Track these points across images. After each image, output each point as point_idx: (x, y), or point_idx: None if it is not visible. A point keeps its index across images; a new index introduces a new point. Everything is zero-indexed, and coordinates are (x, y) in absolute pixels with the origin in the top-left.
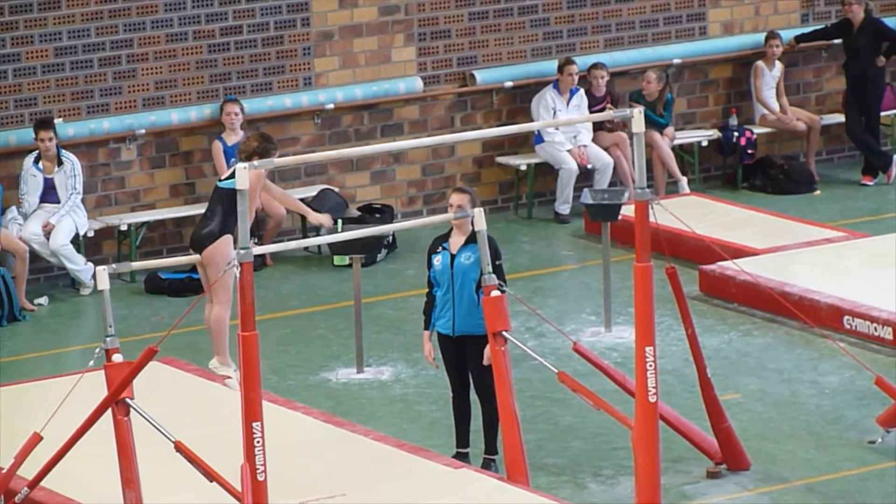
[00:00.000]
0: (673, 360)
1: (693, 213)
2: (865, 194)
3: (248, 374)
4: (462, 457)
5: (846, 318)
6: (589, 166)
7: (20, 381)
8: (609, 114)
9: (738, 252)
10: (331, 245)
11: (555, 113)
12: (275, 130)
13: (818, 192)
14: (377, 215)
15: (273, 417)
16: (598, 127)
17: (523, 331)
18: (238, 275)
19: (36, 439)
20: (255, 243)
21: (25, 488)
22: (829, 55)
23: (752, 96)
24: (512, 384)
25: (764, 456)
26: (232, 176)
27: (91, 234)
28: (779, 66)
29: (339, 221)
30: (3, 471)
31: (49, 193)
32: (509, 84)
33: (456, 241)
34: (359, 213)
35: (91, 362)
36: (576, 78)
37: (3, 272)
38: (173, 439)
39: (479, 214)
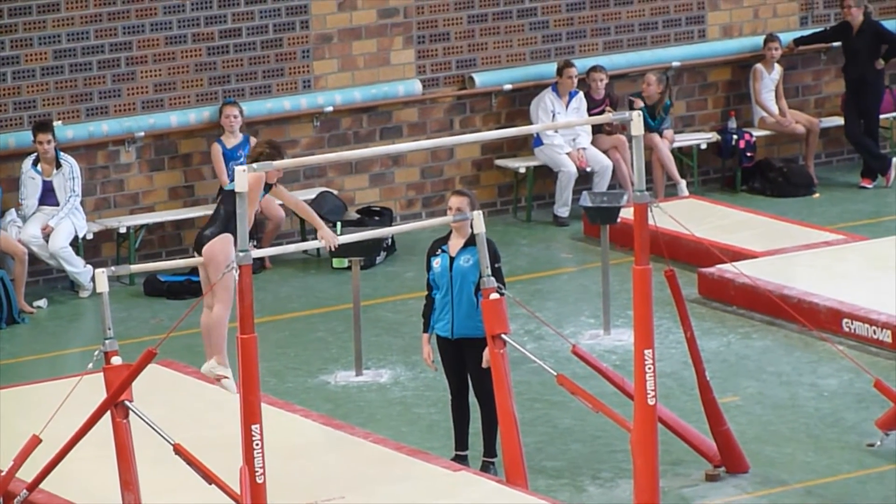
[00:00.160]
0: (672, 362)
1: (692, 216)
2: (864, 197)
3: (246, 376)
4: (461, 459)
5: (845, 320)
6: (588, 169)
7: (19, 384)
8: (608, 116)
9: (737, 255)
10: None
11: (554, 116)
12: (274, 133)
13: (817, 194)
14: (376, 218)
15: (272, 420)
16: (596, 130)
17: (522, 333)
18: (237, 277)
19: (35, 442)
20: (254, 246)
21: (24, 490)
22: (828, 58)
23: (751, 99)
24: (511, 387)
25: (763, 459)
26: None
27: (90, 236)
28: (778, 68)
29: (338, 224)
30: (3, 473)
31: (48, 196)
32: (508, 87)
33: (455, 243)
34: (358, 216)
35: (90, 365)
36: (575, 81)
37: (2, 274)
38: (172, 441)
39: (478, 217)
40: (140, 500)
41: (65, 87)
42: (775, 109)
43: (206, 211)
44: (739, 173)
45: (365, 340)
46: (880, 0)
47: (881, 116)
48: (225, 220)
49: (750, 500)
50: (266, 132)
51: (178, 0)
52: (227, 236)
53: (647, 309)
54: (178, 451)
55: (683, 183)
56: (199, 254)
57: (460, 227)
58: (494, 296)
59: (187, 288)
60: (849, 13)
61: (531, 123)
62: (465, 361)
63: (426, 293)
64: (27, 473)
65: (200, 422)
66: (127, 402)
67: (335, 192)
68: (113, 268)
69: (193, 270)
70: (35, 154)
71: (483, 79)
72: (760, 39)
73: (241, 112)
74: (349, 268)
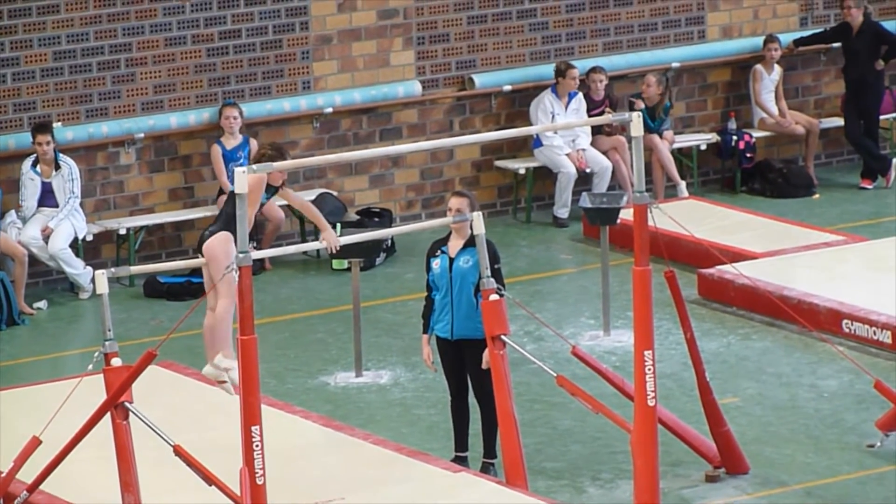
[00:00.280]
0: (672, 363)
1: (692, 217)
2: (864, 198)
3: (246, 377)
4: (461, 460)
5: (845, 321)
6: (587, 170)
7: (19, 385)
8: (608, 117)
9: (737, 256)
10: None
11: (553, 117)
12: (273, 134)
13: (817, 195)
14: (376, 219)
15: (272, 421)
16: (596, 131)
17: (522, 334)
18: (237, 278)
19: (35, 443)
20: (254, 247)
21: (24, 492)
22: (827, 59)
23: (751, 100)
24: (511, 388)
25: (763, 460)
26: None
27: (90, 237)
28: (778, 69)
29: (338, 225)
30: (3, 475)
31: (47, 197)
32: (508, 88)
33: (454, 244)
34: (357, 217)
35: (90, 366)
36: (576, 82)
37: (1, 276)
38: (172, 443)
39: (477, 218)
40: (140, 502)
41: (64, 89)
42: (775, 110)
43: (205, 212)
44: (739, 174)
45: (365, 342)
46: (880, 1)
47: (881, 117)
48: (226, 221)
49: (750, 501)
50: (266, 133)
51: (177, 1)
52: (227, 234)
53: (646, 310)
54: (178, 452)
55: (683, 184)
56: (202, 254)
57: (460, 229)
58: (494, 297)
59: (187, 289)
60: (848, 14)
61: (531, 124)
62: (464, 362)
63: (426, 294)
64: (27, 475)
65: (200, 423)
66: (127, 404)
67: (335, 193)
68: (113, 269)
69: (193, 272)
70: (34, 155)
71: (483, 80)
72: (760, 40)
73: (240, 113)
74: (349, 269)
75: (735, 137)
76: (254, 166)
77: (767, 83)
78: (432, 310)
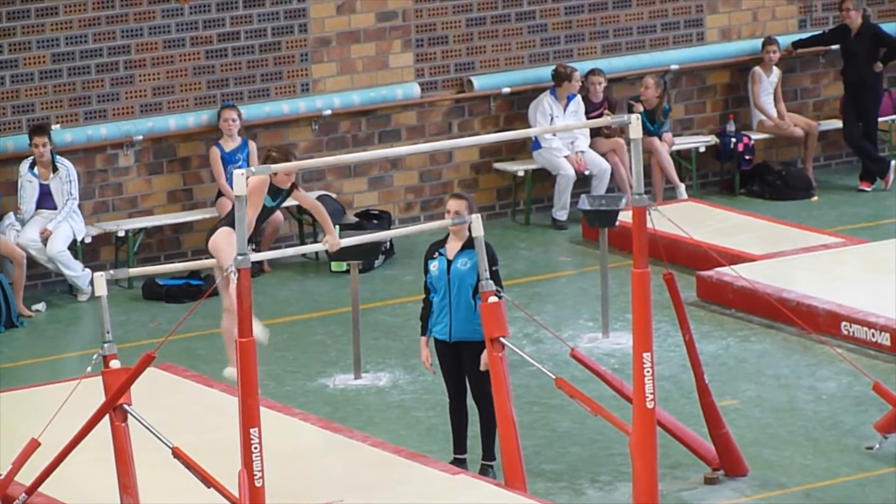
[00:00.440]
0: (670, 366)
1: (690, 219)
2: (863, 200)
3: (245, 379)
4: (459, 463)
5: (844, 323)
6: (586, 172)
7: (18, 388)
8: (607, 120)
9: (736, 258)
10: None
11: (552, 119)
12: (272, 136)
13: (816, 197)
14: (375, 221)
15: (270, 423)
16: (595, 133)
17: (521, 337)
18: (236, 281)
19: (34, 445)
20: (253, 249)
21: (23, 494)
22: (826, 61)
23: (750, 102)
24: (509, 390)
25: (762, 462)
26: None
27: (88, 240)
28: (776, 71)
29: (337, 227)
30: (2, 476)
31: (45, 199)
32: (507, 90)
33: (452, 246)
34: (356, 219)
35: (89, 368)
36: (578, 85)
37: (0, 278)
38: (171, 445)
39: (477, 220)
40: None
41: (63, 91)
42: (774, 112)
43: (204, 215)
44: (738, 176)
45: (363, 344)
46: (879, 3)
47: (880, 119)
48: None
49: (749, 503)
50: (264, 136)
51: (176, 4)
52: (230, 228)
53: (645, 312)
54: (177, 454)
55: (682, 186)
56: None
57: (458, 231)
58: (493, 299)
59: (186, 291)
60: (847, 16)
61: (529, 127)
62: (462, 364)
63: (423, 296)
64: (26, 477)
65: (199, 425)
66: (125, 406)
67: (334, 195)
68: (111, 271)
69: (192, 274)
70: (32, 157)
71: (481, 82)
72: (759, 42)
73: (239, 116)
74: (348, 271)
75: (734, 140)
76: (252, 168)
77: (766, 85)
78: (430, 312)
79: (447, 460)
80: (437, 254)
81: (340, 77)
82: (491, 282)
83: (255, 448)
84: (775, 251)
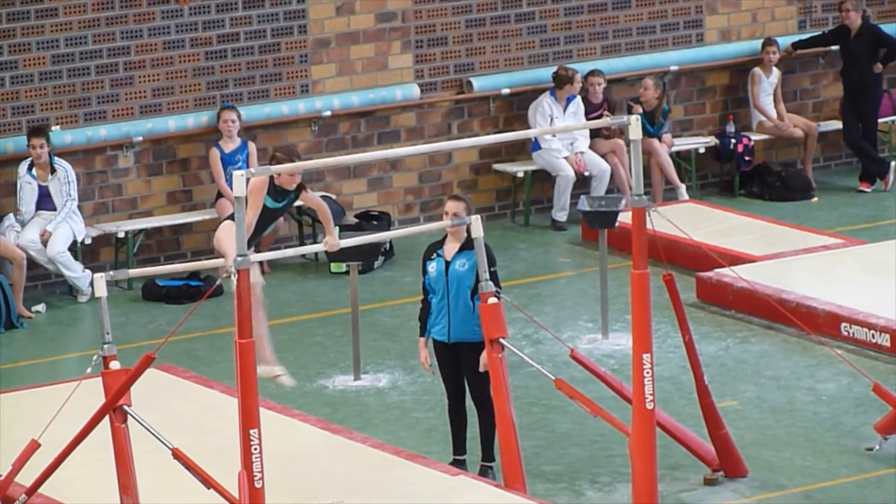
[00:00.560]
0: (670, 367)
1: (690, 220)
2: (863, 201)
3: (245, 381)
4: (459, 464)
5: (843, 324)
6: (586, 173)
7: (18, 389)
8: (606, 121)
9: (736, 259)
10: (328, 252)
11: (552, 120)
12: (272, 138)
13: (815, 198)
14: (374, 222)
15: (270, 424)
16: (594, 134)
17: (520, 338)
18: (235, 282)
19: (34, 446)
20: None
21: (23, 495)
22: (826, 62)
23: (750, 103)
24: (509, 391)
25: (761, 463)
26: None
27: (88, 241)
28: (776, 72)
29: (337, 229)
30: (1, 478)
31: (44, 201)
32: (506, 91)
33: (450, 247)
34: (356, 221)
35: (89, 369)
36: (579, 87)
37: (0, 279)
38: (171, 446)
39: (477, 222)
40: None
41: (63, 92)
42: (773, 113)
43: (203, 216)
44: (738, 177)
45: (363, 345)
46: (879, 4)
47: (879, 120)
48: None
49: None
50: (264, 137)
51: (176, 5)
52: (230, 222)
53: (645, 313)
54: (177, 455)
55: (682, 187)
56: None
57: (456, 232)
58: (492, 300)
59: (185, 293)
60: (847, 17)
61: (529, 128)
62: (461, 365)
63: (422, 297)
64: (26, 478)
65: (199, 426)
66: (125, 407)
67: (333, 196)
68: (111, 272)
69: (192, 275)
70: (30, 159)
71: (481, 83)
72: (759, 43)
73: (239, 117)
74: (347, 272)
75: (734, 140)
76: (252, 169)
77: (766, 86)
78: (429, 312)
79: (447, 461)
80: (435, 255)
81: (340, 78)
82: (490, 283)
83: (255, 449)
84: (775, 252)
